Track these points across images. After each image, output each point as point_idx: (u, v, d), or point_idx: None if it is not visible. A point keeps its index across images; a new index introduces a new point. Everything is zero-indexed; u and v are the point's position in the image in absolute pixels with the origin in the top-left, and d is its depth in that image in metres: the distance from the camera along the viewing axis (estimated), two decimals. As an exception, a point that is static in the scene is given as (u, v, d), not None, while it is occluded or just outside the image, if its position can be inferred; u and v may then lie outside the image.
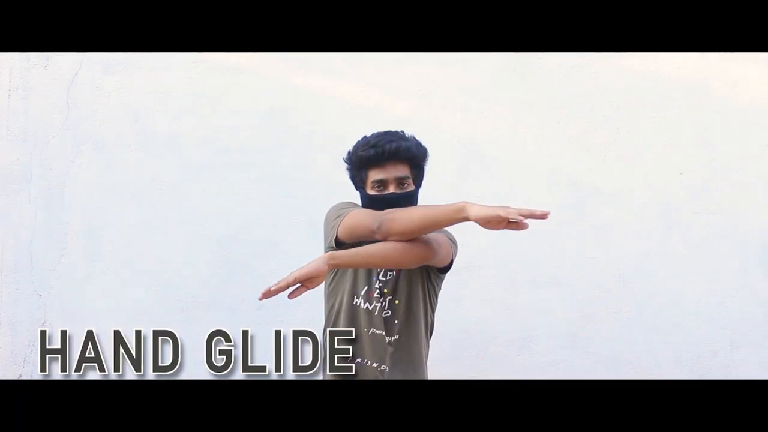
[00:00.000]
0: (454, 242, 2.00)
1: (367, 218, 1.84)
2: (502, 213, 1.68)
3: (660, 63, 2.78)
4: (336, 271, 1.95)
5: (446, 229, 1.96)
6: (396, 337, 1.91)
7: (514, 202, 2.73)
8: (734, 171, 2.75)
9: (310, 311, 2.74)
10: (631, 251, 2.74)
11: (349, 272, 1.95)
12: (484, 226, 1.73)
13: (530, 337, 2.73)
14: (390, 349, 1.90)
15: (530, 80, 2.81)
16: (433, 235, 1.86)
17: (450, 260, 1.96)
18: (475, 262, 2.66)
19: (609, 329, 2.72)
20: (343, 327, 1.93)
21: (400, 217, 1.80)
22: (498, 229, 1.71)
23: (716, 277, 2.72)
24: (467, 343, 2.68)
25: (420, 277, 1.96)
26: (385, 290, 1.93)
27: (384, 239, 1.81)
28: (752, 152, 2.76)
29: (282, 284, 1.74)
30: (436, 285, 2.01)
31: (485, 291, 2.73)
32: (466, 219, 1.74)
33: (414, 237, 1.81)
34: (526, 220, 1.70)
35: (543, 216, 1.68)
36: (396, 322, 1.92)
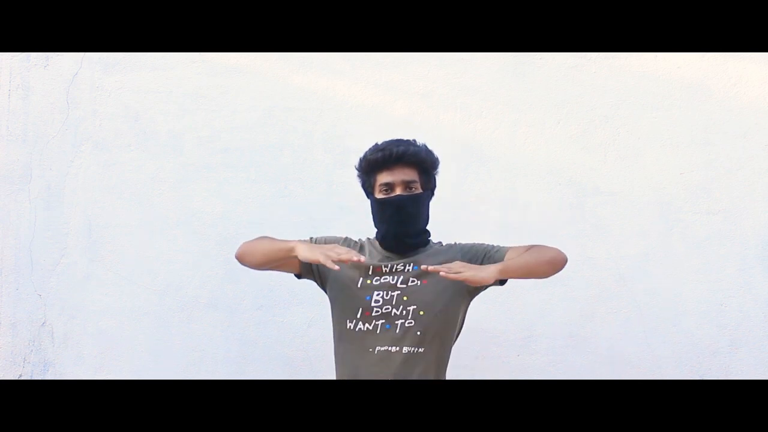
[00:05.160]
0: None
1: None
2: (310, 256, 1.79)
3: (660, 63, 2.78)
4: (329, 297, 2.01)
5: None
6: (417, 348, 1.88)
7: (514, 202, 2.76)
8: (734, 171, 2.75)
9: (311, 311, 2.76)
10: (631, 251, 2.74)
11: (342, 297, 1.96)
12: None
13: (530, 337, 2.73)
14: (406, 360, 1.86)
15: (530, 80, 2.81)
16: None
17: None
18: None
19: (609, 329, 2.72)
20: (342, 352, 1.95)
21: (250, 248, 1.97)
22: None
23: (716, 277, 2.72)
24: (467, 343, 2.68)
25: (463, 293, 1.98)
26: (405, 297, 1.89)
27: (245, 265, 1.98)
28: (752, 152, 2.76)
29: (449, 274, 1.79)
30: (469, 302, 2.04)
31: (485, 291, 2.73)
32: (294, 257, 1.87)
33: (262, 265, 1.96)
34: None
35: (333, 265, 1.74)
36: (418, 333, 1.87)
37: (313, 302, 2.75)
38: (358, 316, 1.90)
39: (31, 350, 2.79)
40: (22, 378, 2.78)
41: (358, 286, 1.93)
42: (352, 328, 1.90)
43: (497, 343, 2.72)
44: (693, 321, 2.72)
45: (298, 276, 2.05)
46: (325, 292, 2.04)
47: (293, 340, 2.75)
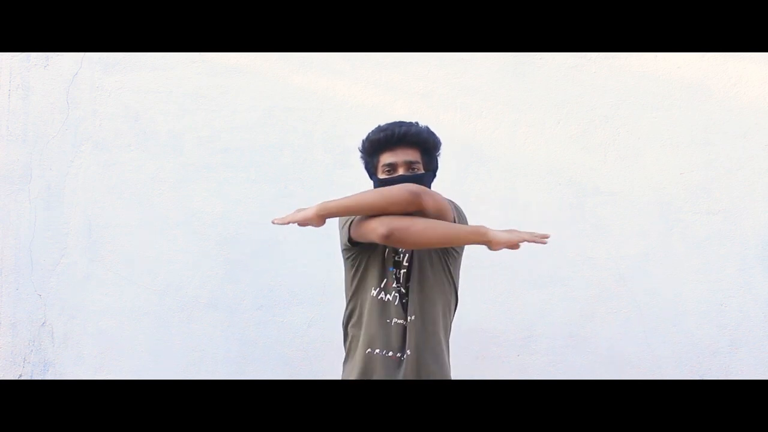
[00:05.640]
0: (456, 206, 2.00)
1: (374, 223, 1.86)
2: (516, 238, 1.87)
3: (660, 63, 2.79)
4: (358, 266, 1.98)
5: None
6: (411, 318, 1.91)
7: (514, 202, 2.76)
8: (734, 171, 2.75)
9: (311, 311, 2.76)
10: (631, 251, 2.74)
11: (372, 266, 1.96)
12: (494, 249, 1.90)
13: (530, 337, 2.73)
14: (407, 334, 1.90)
15: (530, 80, 2.81)
16: (424, 188, 1.88)
17: (452, 217, 1.94)
18: (475, 262, 2.66)
19: (609, 329, 2.72)
20: (366, 319, 1.94)
21: (416, 228, 1.84)
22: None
23: (716, 277, 2.73)
24: (467, 343, 2.68)
25: (435, 258, 1.97)
26: (401, 277, 1.95)
27: (397, 246, 1.90)
28: (752, 152, 2.76)
29: (281, 222, 1.91)
30: (453, 262, 2.01)
31: (485, 291, 2.73)
32: (487, 243, 1.87)
33: (428, 247, 1.94)
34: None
35: (543, 240, 1.90)
36: (410, 305, 1.92)
37: (313, 302, 2.76)
38: (382, 285, 1.95)
39: (31, 350, 2.79)
40: (22, 378, 2.78)
41: (385, 256, 1.97)
42: (374, 296, 1.94)
43: (497, 343, 2.72)
44: (693, 321, 2.72)
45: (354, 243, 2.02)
46: (360, 260, 2.00)
47: (293, 340, 2.75)
